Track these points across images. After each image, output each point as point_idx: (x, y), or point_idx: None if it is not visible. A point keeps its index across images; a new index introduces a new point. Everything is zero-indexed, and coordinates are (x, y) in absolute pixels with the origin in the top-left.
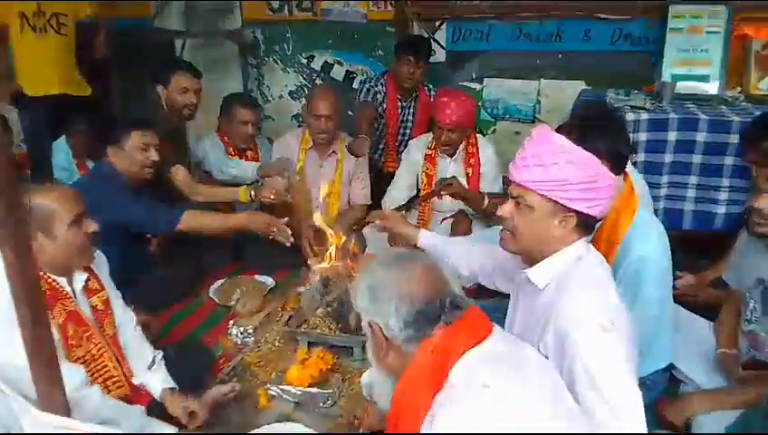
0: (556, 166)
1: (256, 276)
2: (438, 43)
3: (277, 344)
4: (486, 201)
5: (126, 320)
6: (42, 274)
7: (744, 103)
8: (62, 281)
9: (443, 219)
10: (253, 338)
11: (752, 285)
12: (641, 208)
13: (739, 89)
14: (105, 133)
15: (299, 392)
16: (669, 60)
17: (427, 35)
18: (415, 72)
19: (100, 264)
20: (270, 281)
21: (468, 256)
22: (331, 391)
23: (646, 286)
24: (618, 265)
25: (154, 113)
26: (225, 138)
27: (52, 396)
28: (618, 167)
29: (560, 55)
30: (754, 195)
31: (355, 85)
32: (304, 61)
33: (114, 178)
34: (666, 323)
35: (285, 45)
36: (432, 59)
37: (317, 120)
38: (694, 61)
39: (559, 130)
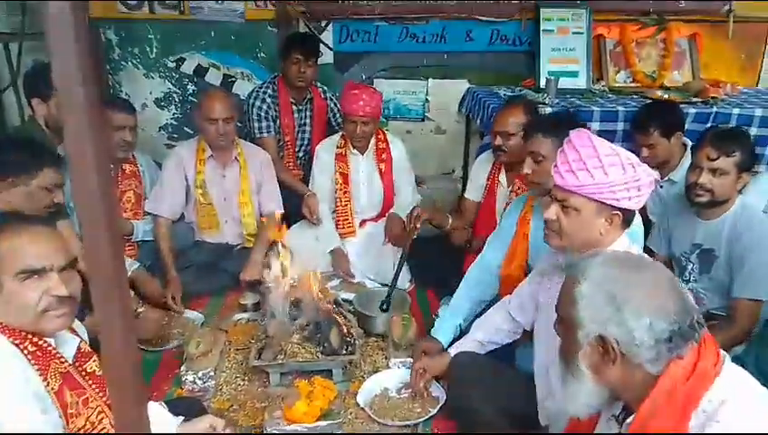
0: (600, 169)
1: None
2: (325, 44)
3: (241, 383)
4: (450, 220)
5: None
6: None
7: (609, 95)
8: (50, 341)
9: (362, 221)
10: (213, 381)
11: (688, 249)
12: None
13: (603, 82)
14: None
15: (304, 430)
16: (545, 58)
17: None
18: (306, 71)
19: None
20: (196, 315)
21: (492, 332)
22: (341, 420)
23: None
24: None
25: (29, 134)
26: None
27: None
28: None
29: (445, 56)
30: (694, 171)
31: (236, 90)
32: (172, 65)
33: None
34: None
35: (147, 48)
36: (319, 60)
37: (213, 123)
38: (565, 59)
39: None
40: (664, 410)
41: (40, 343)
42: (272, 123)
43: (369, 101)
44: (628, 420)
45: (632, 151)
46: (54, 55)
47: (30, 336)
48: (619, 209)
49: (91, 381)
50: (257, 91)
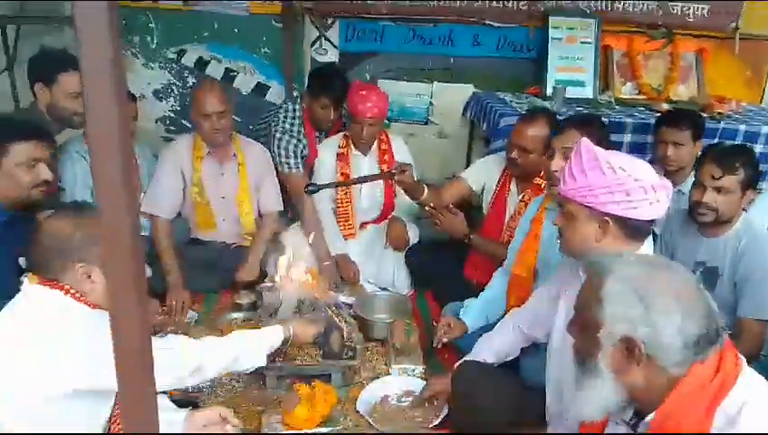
0: (583, 173)
1: None
2: (330, 42)
3: (236, 385)
4: (426, 192)
5: None
6: None
7: (616, 106)
8: None
9: (362, 223)
10: (208, 382)
11: (691, 266)
12: None
13: (609, 93)
14: None
15: None
16: (552, 66)
17: (318, 33)
18: (335, 117)
19: None
20: (190, 314)
21: (502, 351)
22: (340, 427)
23: None
24: None
25: (29, 119)
26: None
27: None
28: None
29: (451, 59)
30: (698, 190)
31: (237, 84)
32: (173, 56)
33: None
34: None
35: (148, 37)
36: (324, 58)
37: (206, 119)
38: (572, 67)
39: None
40: (688, 409)
41: None
42: (300, 160)
43: (378, 102)
44: (648, 419)
45: (652, 156)
46: (83, 39)
47: None
48: (610, 216)
49: None
50: (286, 125)
